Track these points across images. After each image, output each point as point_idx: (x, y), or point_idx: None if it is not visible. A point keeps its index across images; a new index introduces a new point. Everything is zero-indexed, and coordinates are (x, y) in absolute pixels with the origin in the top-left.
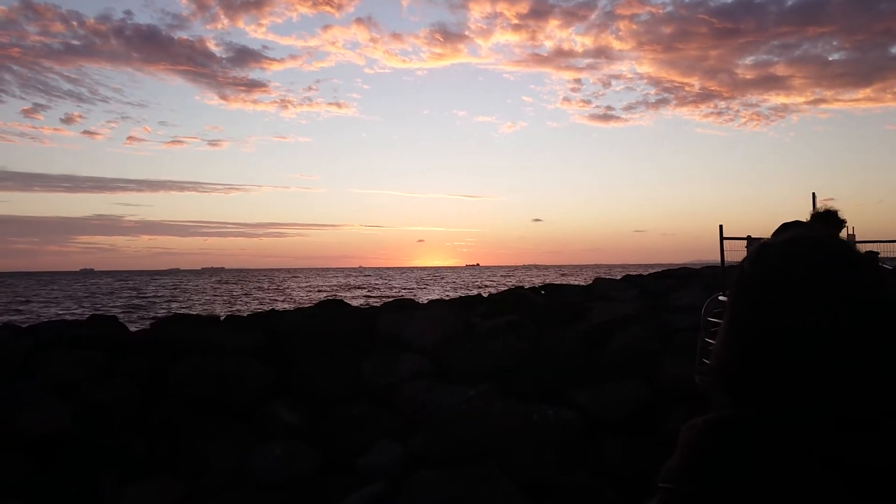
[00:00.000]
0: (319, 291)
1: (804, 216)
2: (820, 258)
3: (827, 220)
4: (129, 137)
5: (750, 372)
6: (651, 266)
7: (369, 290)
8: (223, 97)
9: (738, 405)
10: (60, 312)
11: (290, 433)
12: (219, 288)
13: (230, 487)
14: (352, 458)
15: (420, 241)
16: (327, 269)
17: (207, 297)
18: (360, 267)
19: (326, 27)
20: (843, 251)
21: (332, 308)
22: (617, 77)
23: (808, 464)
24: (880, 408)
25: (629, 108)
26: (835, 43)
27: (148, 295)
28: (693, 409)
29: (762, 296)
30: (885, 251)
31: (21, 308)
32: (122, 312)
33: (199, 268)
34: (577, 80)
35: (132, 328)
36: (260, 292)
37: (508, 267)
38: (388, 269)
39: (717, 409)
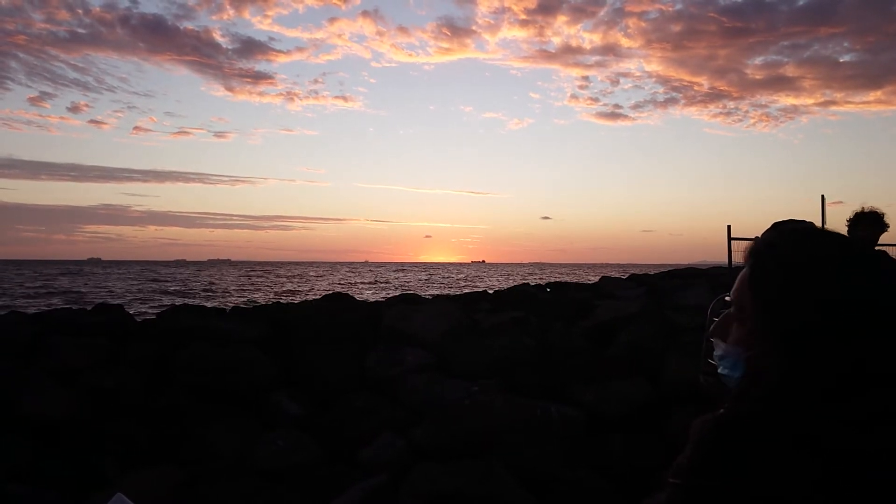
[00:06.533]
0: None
1: (812, 218)
2: (828, 252)
3: (871, 222)
4: (136, 128)
5: (756, 368)
6: (658, 266)
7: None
8: (229, 88)
9: (746, 402)
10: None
11: (292, 423)
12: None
13: (231, 475)
14: (354, 450)
15: (427, 236)
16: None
17: (214, 289)
18: (367, 262)
19: (333, 19)
20: (852, 245)
21: (338, 301)
22: (625, 75)
23: (816, 459)
24: (891, 404)
25: (637, 106)
26: (846, 44)
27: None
28: (697, 409)
29: (769, 291)
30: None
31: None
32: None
33: (205, 259)
34: (585, 78)
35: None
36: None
37: (515, 265)
38: (396, 263)
39: (725, 406)
